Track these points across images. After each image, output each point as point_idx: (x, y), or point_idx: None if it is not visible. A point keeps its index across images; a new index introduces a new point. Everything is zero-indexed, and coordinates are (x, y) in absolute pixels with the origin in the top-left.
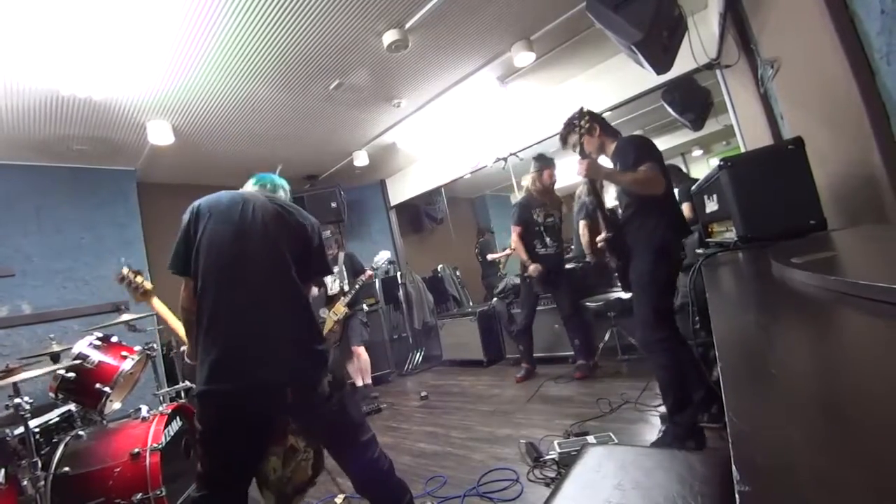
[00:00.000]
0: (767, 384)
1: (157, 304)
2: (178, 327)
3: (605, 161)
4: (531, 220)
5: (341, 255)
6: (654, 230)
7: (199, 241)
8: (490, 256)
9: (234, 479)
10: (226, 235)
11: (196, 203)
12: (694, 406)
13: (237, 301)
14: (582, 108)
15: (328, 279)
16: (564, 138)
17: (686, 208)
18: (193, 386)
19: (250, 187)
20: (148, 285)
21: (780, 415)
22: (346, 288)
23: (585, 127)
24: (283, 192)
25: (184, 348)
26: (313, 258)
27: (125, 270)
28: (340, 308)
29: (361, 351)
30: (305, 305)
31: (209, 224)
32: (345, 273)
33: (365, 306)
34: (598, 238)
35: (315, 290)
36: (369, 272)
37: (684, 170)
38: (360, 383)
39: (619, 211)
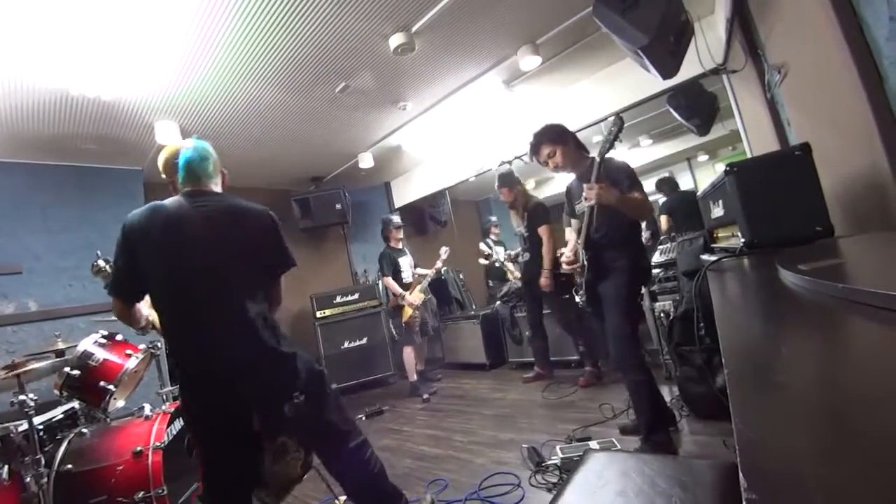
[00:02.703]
0: (774, 392)
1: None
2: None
3: (571, 177)
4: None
5: (406, 249)
6: (635, 249)
7: (143, 269)
8: (482, 260)
9: (227, 482)
10: (168, 264)
11: (128, 218)
12: (669, 422)
13: (191, 337)
14: (557, 126)
15: (405, 267)
16: (537, 149)
17: (663, 220)
18: None
19: (181, 180)
20: None
21: (787, 422)
22: (420, 272)
23: (609, 146)
24: (213, 167)
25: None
26: (267, 257)
27: (101, 263)
28: (419, 296)
29: (424, 346)
30: (263, 325)
31: (150, 252)
32: (414, 263)
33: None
34: (566, 258)
35: (390, 280)
36: (438, 264)
37: (690, 176)
38: (419, 367)
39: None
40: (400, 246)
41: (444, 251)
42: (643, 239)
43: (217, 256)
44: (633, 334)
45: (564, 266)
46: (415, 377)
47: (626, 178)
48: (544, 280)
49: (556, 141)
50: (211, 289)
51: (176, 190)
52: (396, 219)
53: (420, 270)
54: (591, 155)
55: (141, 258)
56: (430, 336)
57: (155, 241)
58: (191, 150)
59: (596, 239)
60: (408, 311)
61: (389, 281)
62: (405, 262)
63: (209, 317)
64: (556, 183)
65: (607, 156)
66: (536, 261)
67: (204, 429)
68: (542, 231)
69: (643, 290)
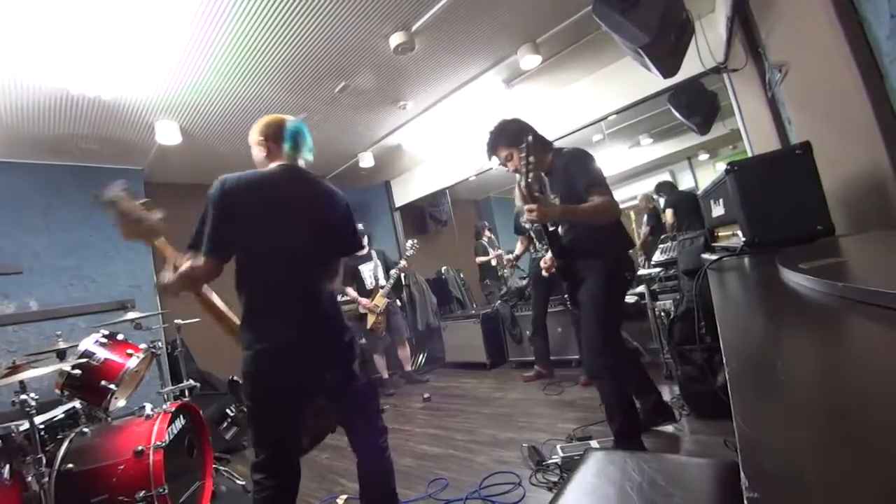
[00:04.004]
0: (775, 390)
1: (169, 250)
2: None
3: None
4: (522, 228)
5: (374, 252)
6: (606, 253)
7: (244, 223)
8: (479, 260)
9: (291, 448)
10: (277, 222)
11: (228, 180)
12: (639, 430)
13: (285, 300)
14: (520, 122)
15: (366, 275)
16: (494, 150)
17: (668, 214)
18: (196, 385)
19: (285, 150)
20: (155, 218)
21: (788, 421)
22: (382, 282)
23: (531, 155)
24: (312, 146)
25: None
26: (349, 236)
27: (120, 192)
28: (381, 300)
29: (405, 345)
30: (331, 296)
31: (252, 215)
32: (380, 268)
33: (398, 301)
34: (545, 263)
35: (348, 289)
36: (403, 262)
37: (691, 175)
38: (407, 368)
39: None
40: (362, 253)
41: (409, 247)
42: (641, 233)
43: (312, 228)
44: (604, 345)
45: (543, 272)
46: (385, 375)
47: (580, 175)
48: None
49: (512, 143)
50: (306, 257)
51: (269, 153)
52: (359, 227)
53: (392, 272)
54: (559, 146)
55: (239, 220)
56: (405, 339)
57: (260, 205)
58: (299, 122)
59: (565, 245)
60: (371, 318)
61: (348, 290)
62: (366, 269)
63: (303, 283)
64: None
65: (567, 149)
66: None
67: (279, 394)
68: (521, 241)
69: (632, 293)
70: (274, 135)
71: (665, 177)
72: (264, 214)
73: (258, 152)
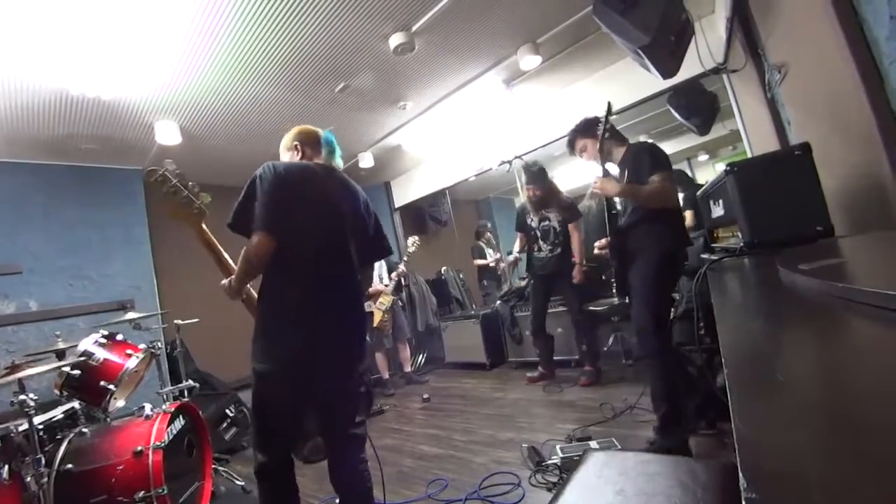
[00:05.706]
0: (774, 391)
1: (212, 240)
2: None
3: (612, 168)
4: (527, 226)
5: None
6: (662, 236)
7: (292, 209)
8: (476, 262)
9: (295, 437)
10: (321, 215)
11: (279, 166)
12: (685, 419)
13: (319, 287)
14: (599, 117)
15: (374, 274)
16: (572, 143)
17: (688, 216)
18: (196, 385)
19: (322, 155)
20: (205, 200)
21: (787, 422)
22: (386, 281)
23: (606, 133)
24: (340, 157)
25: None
26: (381, 243)
27: (169, 170)
28: (387, 298)
29: (405, 345)
30: (360, 297)
31: (302, 196)
32: (384, 268)
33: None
34: (599, 243)
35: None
36: (402, 267)
37: (690, 174)
38: (407, 369)
39: (619, 210)
40: None
41: (411, 244)
42: None
43: (351, 228)
44: (655, 326)
45: (596, 250)
46: (386, 375)
47: (646, 161)
48: (579, 274)
49: (589, 134)
50: (346, 254)
51: (304, 156)
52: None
53: (394, 274)
54: (632, 142)
55: (288, 205)
56: (406, 339)
57: (306, 195)
58: (330, 132)
59: (622, 225)
60: (378, 316)
61: None
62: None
63: (339, 272)
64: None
65: (641, 142)
66: (568, 256)
67: (298, 399)
68: (575, 227)
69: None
70: (310, 141)
71: None
72: (310, 205)
73: (291, 156)
